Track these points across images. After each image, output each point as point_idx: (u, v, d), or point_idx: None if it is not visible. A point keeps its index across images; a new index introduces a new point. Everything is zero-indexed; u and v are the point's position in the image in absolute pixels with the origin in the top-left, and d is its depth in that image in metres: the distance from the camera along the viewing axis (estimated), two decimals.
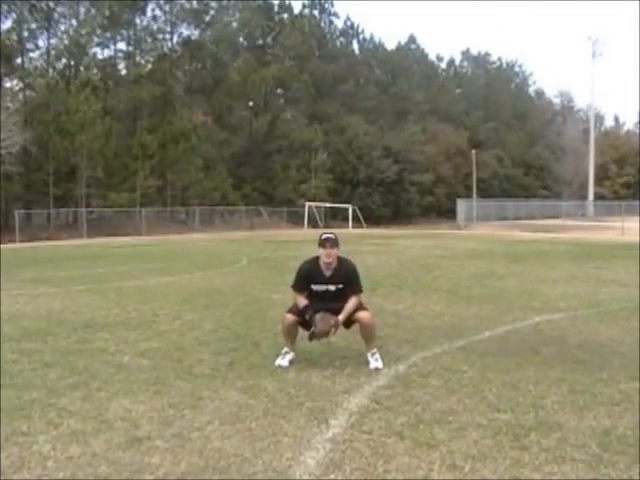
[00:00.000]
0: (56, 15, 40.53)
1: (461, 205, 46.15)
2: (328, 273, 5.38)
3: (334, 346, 6.06)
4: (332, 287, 5.38)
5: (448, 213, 49.62)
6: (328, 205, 46.15)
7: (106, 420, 4.09)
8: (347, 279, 5.40)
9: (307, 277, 5.43)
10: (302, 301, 5.36)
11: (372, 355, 5.35)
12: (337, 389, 4.71)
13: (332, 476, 3.24)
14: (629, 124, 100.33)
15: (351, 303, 5.35)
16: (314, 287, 5.39)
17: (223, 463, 3.40)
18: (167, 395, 4.59)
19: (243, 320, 7.68)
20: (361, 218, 45.00)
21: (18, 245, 28.43)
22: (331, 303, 5.33)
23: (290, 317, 5.40)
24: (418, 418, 4.07)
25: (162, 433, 3.84)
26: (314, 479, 3.21)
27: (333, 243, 5.30)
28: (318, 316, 5.22)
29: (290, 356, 5.47)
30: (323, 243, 5.31)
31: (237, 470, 3.32)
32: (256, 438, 3.75)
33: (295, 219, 44.67)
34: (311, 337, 5.35)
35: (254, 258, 17.68)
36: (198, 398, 4.52)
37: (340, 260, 5.42)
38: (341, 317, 5.29)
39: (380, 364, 5.28)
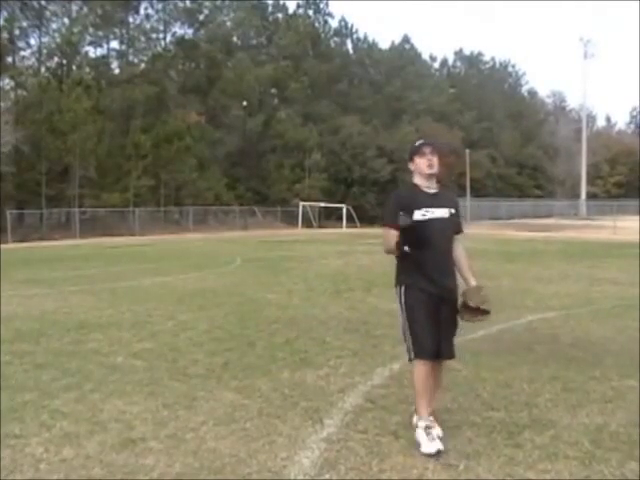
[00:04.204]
0: (48, 13, 40.33)
1: None
2: (433, 190, 3.82)
3: (328, 345, 6.06)
4: (444, 212, 3.77)
5: None
6: (322, 205, 46.11)
7: (100, 421, 4.08)
8: (457, 207, 3.91)
9: (405, 202, 3.73)
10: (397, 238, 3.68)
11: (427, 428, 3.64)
12: (332, 389, 4.71)
13: (327, 476, 3.24)
14: (620, 124, 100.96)
15: (461, 249, 3.92)
16: (418, 216, 3.67)
17: (218, 464, 3.40)
18: (161, 396, 4.58)
19: (237, 320, 7.67)
20: (355, 218, 45.00)
21: (10, 246, 28.29)
22: (446, 246, 3.80)
23: (423, 366, 3.66)
24: (412, 417, 4.07)
25: (156, 434, 3.83)
26: (309, 479, 3.21)
27: (436, 149, 3.82)
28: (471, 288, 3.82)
29: (437, 431, 3.66)
30: (419, 150, 3.81)
31: (232, 470, 3.32)
32: (251, 438, 3.75)
33: (289, 219, 44.62)
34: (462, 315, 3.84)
35: (248, 258, 17.66)
36: (192, 399, 4.51)
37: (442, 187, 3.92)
38: (473, 282, 3.86)
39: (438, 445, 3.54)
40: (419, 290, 3.70)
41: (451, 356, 3.78)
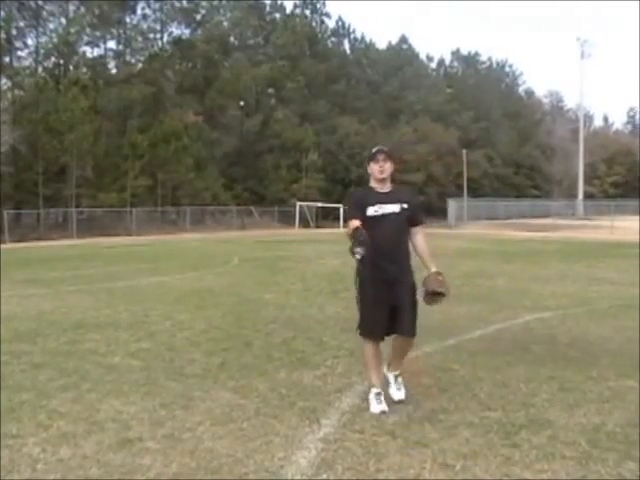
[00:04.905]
0: (45, 13, 40.25)
1: (452, 205, 46.28)
2: (385, 190, 4.37)
3: (325, 345, 6.06)
4: (395, 207, 4.29)
5: (439, 212, 49.68)
6: (319, 205, 46.12)
7: (97, 421, 4.07)
8: (410, 201, 4.42)
9: (361, 200, 4.32)
10: (356, 223, 4.13)
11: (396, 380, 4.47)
12: (328, 388, 4.71)
13: (324, 476, 3.24)
14: (618, 124, 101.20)
15: (421, 239, 4.44)
16: (371, 211, 4.23)
17: (215, 464, 3.40)
18: (158, 396, 4.58)
19: (234, 320, 7.66)
20: None
21: (8, 246, 28.22)
22: (397, 236, 4.30)
23: (369, 344, 4.36)
24: (409, 417, 4.08)
25: (153, 434, 3.83)
26: (306, 479, 3.21)
27: (387, 155, 4.36)
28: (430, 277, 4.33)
29: (400, 394, 4.45)
30: (374, 157, 4.35)
31: (229, 470, 3.32)
32: (248, 438, 3.74)
33: (286, 219, 44.60)
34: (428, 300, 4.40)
35: (245, 258, 17.65)
36: (189, 399, 4.51)
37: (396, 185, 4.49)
38: (434, 268, 4.38)
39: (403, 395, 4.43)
40: (371, 276, 4.23)
41: (406, 333, 4.28)
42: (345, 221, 4.35)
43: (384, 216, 4.24)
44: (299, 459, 3.43)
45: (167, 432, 3.86)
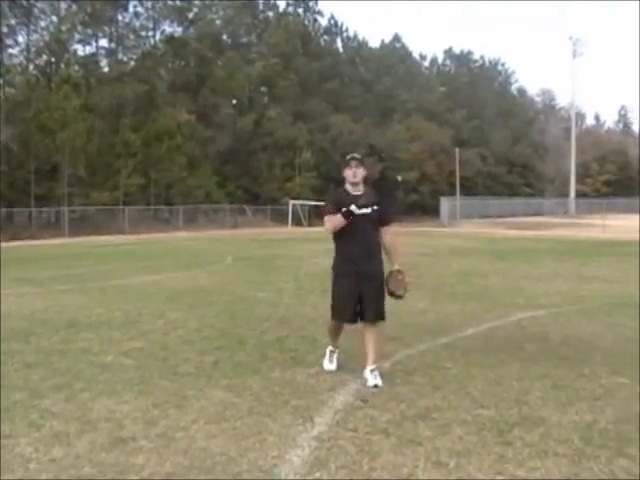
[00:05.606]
0: (36, 11, 40.07)
1: (444, 203, 46.39)
2: (358, 192, 4.92)
3: (318, 343, 6.06)
4: (367, 209, 4.82)
5: (432, 211, 49.80)
6: (312, 203, 46.12)
7: (90, 421, 4.06)
8: (381, 202, 4.93)
9: (336, 200, 4.89)
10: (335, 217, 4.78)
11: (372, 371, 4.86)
12: (322, 387, 4.71)
13: (317, 474, 3.24)
14: (609, 122, 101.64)
15: (389, 238, 4.96)
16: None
17: (208, 462, 3.39)
18: (151, 395, 4.57)
19: (228, 319, 7.65)
20: None
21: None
22: (367, 235, 4.84)
23: (333, 323, 5.13)
24: (403, 415, 4.09)
25: (146, 433, 3.82)
26: (300, 478, 3.21)
27: (359, 162, 4.92)
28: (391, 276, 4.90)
29: (336, 355, 5.25)
30: (348, 163, 4.93)
31: (222, 469, 3.31)
32: (241, 437, 3.74)
33: (279, 217, 44.59)
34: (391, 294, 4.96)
35: (239, 257, 17.63)
36: (183, 397, 4.50)
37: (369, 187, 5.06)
38: (397, 265, 4.93)
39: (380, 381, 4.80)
40: (342, 270, 4.93)
41: (369, 320, 4.87)
42: (329, 213, 4.87)
43: (357, 216, 4.74)
44: (293, 458, 3.43)
45: (160, 431, 3.85)
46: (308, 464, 3.35)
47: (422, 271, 13.12)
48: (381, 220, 4.90)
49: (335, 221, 4.76)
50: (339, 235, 4.86)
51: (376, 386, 4.68)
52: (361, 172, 4.92)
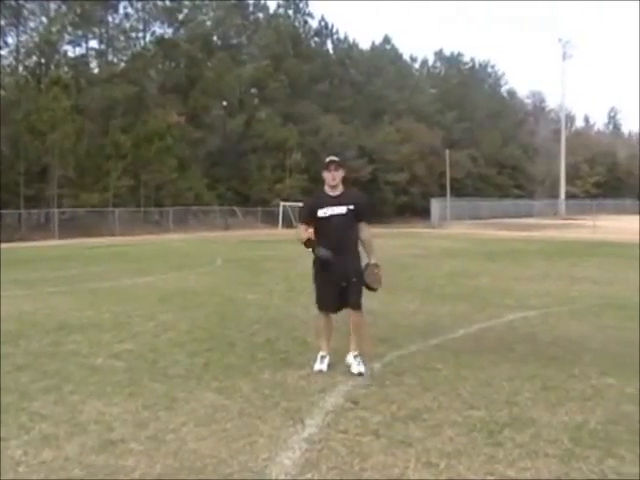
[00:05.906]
0: (26, 12, 39.86)
1: (435, 204, 46.50)
2: (335, 194, 5.20)
3: (309, 345, 6.05)
4: (342, 209, 5.12)
5: (422, 212, 49.89)
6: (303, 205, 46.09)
7: (79, 423, 4.04)
8: (357, 202, 5.22)
9: (313, 204, 5.23)
10: (307, 234, 5.09)
11: (355, 357, 5.19)
12: (312, 388, 4.71)
13: (308, 475, 3.24)
14: (599, 124, 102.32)
15: (365, 234, 5.25)
16: (321, 213, 5.12)
17: (199, 464, 3.39)
18: (141, 397, 4.55)
19: (218, 320, 7.64)
20: None
21: None
22: (343, 233, 5.12)
23: (322, 317, 5.35)
24: (393, 416, 4.09)
25: (136, 435, 3.81)
26: (290, 479, 3.21)
27: (337, 165, 5.18)
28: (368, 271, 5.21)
29: (327, 359, 5.28)
30: (327, 166, 5.19)
31: (213, 471, 3.31)
32: (232, 439, 3.73)
33: (270, 219, 44.54)
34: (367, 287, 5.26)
35: (229, 258, 17.60)
36: (173, 399, 4.48)
37: (347, 188, 5.33)
38: (374, 259, 5.26)
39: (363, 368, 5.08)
40: (320, 265, 5.17)
41: (352, 306, 5.15)
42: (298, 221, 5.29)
43: (332, 216, 5.09)
44: (283, 459, 3.43)
45: (151, 433, 3.84)
46: (299, 465, 3.35)
47: (413, 272, 13.15)
48: (357, 218, 5.21)
49: (299, 234, 5.14)
50: (317, 233, 5.15)
51: (360, 374, 4.94)
52: (339, 175, 5.19)
